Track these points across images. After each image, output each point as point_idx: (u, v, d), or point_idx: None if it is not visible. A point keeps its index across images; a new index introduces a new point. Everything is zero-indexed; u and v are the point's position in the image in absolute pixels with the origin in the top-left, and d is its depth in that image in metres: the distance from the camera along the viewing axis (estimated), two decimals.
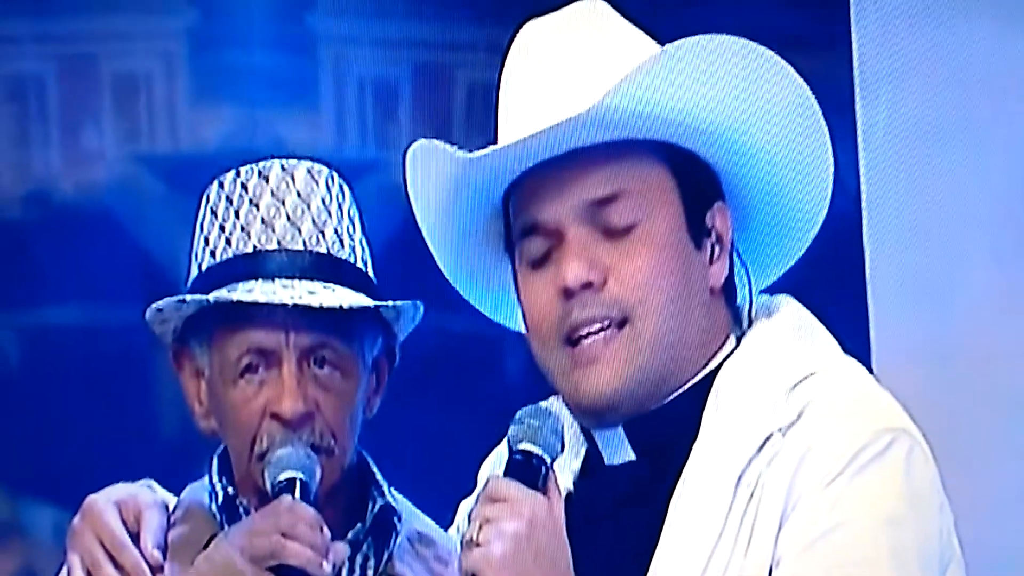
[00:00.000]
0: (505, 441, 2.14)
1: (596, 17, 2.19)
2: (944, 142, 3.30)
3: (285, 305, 2.35)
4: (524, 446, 2.10)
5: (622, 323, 2.13)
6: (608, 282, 2.12)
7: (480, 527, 2.05)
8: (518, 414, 2.13)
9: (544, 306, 2.15)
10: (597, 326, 2.13)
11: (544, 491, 2.09)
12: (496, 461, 2.34)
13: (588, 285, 2.12)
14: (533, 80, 2.17)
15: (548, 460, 2.11)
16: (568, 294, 2.13)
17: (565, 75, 2.14)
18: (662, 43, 2.16)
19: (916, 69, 3.29)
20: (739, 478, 2.08)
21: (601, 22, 2.19)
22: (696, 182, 2.18)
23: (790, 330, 2.18)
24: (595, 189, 2.13)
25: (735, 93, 2.13)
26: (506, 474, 2.11)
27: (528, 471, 2.10)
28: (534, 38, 2.19)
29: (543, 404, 2.18)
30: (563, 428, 2.13)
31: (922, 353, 3.20)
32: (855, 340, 2.25)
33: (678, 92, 2.11)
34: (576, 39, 2.16)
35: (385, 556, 2.43)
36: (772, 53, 2.15)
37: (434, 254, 2.32)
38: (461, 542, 2.08)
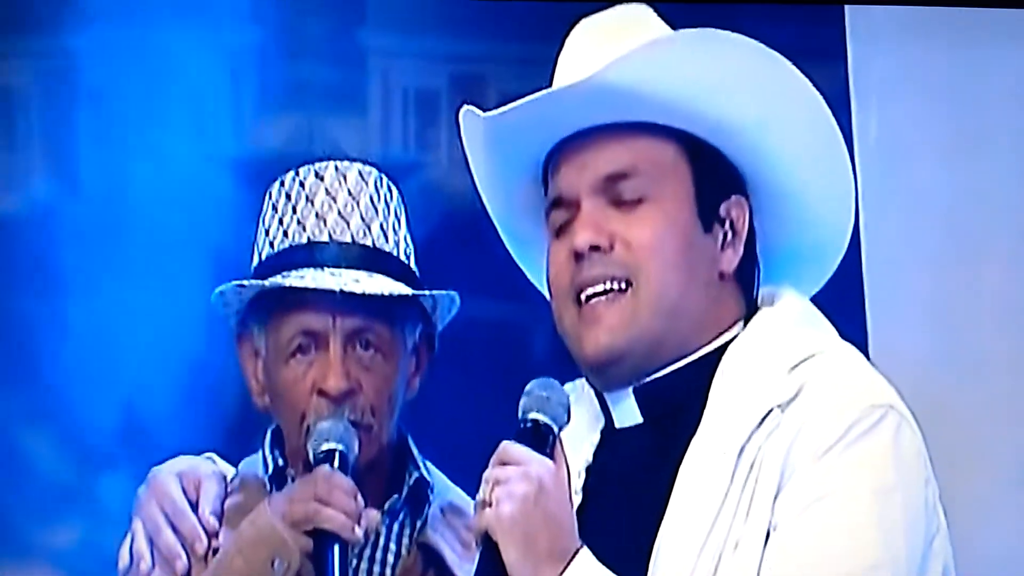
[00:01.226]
0: (520, 408, 2.17)
1: (639, 15, 2.23)
2: (933, 149, 3.32)
3: (333, 291, 2.41)
4: (533, 415, 2.14)
5: (626, 286, 2.16)
6: (615, 246, 2.16)
7: (491, 488, 2.09)
8: (528, 386, 2.16)
9: (560, 269, 2.19)
10: (602, 286, 2.16)
11: (551, 457, 2.12)
12: None
13: (596, 248, 2.16)
14: (570, 65, 2.22)
15: (555, 429, 2.14)
16: (578, 256, 2.16)
17: (595, 60, 2.18)
18: None
19: (907, 80, 3.31)
20: (741, 450, 2.11)
21: (642, 20, 2.23)
22: (713, 172, 2.20)
23: (793, 316, 2.21)
24: (610, 165, 2.17)
25: (747, 89, 2.16)
26: (517, 440, 2.14)
27: (537, 438, 2.13)
28: (579, 34, 2.24)
29: (551, 379, 2.20)
30: (569, 401, 2.16)
31: (917, 348, 3.23)
32: (852, 336, 2.26)
33: (681, 74, 2.14)
34: (613, 34, 2.21)
35: (419, 525, 2.47)
36: (788, 62, 2.17)
37: (494, 221, 2.35)
38: (475, 504, 2.11)
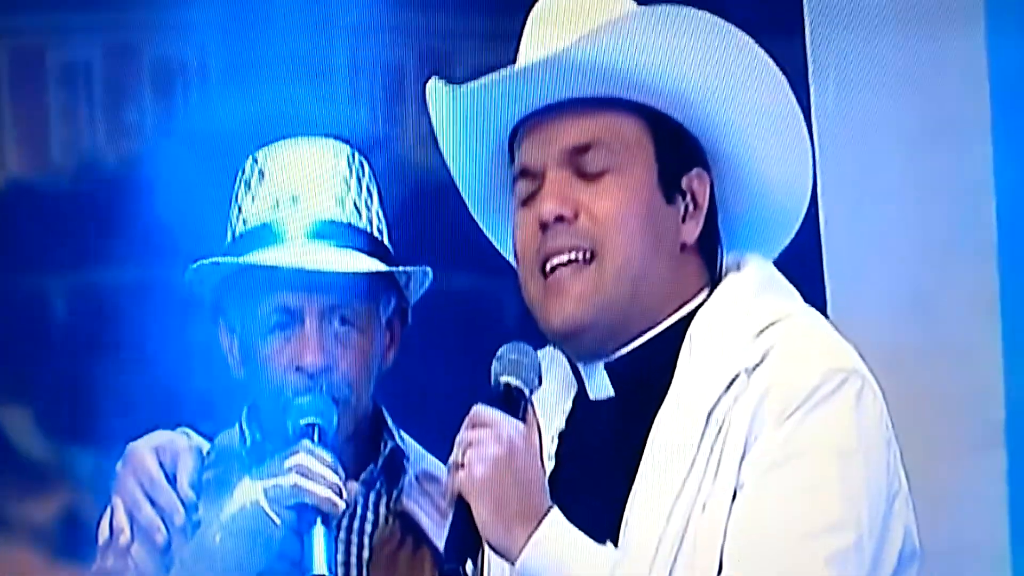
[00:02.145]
0: (492, 371, 2.19)
1: None
2: (887, 120, 3.35)
3: (307, 268, 2.43)
4: (505, 379, 2.16)
5: (591, 257, 2.18)
6: (580, 216, 2.18)
7: (463, 451, 2.11)
8: (500, 351, 2.19)
9: (526, 239, 2.21)
10: (566, 257, 2.18)
11: (523, 420, 2.14)
12: None
13: (561, 219, 2.18)
14: (534, 40, 2.24)
15: (527, 392, 2.16)
16: (544, 226, 2.19)
17: (560, 36, 2.20)
18: None
19: (864, 55, 3.33)
20: (709, 414, 2.14)
21: None
22: (674, 145, 2.22)
23: (758, 282, 2.24)
24: (574, 137, 2.19)
25: (707, 63, 2.19)
26: (489, 404, 2.16)
27: (508, 401, 2.15)
28: (542, 9, 2.26)
29: (523, 343, 2.22)
30: (540, 364, 2.19)
31: (874, 309, 3.26)
32: (812, 294, 2.30)
33: (644, 50, 2.17)
34: (577, 10, 2.23)
35: (395, 493, 2.50)
36: (748, 37, 2.20)
37: (462, 192, 2.37)
38: (448, 466, 2.14)
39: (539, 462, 2.14)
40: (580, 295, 2.18)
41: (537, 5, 2.27)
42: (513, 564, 2.12)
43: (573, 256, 2.18)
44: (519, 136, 2.25)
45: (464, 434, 2.14)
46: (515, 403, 2.16)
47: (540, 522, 2.10)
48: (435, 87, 2.27)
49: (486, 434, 2.12)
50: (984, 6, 3.29)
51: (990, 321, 3.31)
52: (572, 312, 2.18)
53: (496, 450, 2.10)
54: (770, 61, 2.21)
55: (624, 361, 2.22)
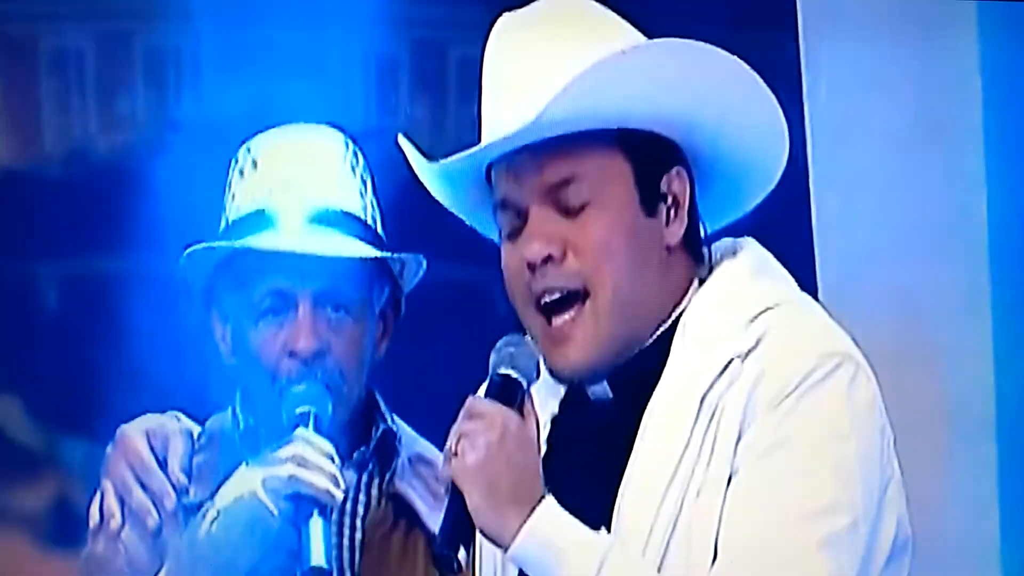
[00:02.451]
0: (490, 363, 2.19)
1: (570, 8, 2.24)
2: (880, 120, 3.36)
3: (301, 254, 2.42)
4: (503, 370, 2.16)
5: (584, 296, 2.19)
6: (567, 255, 2.19)
7: (458, 440, 2.12)
8: (498, 343, 2.19)
9: (515, 276, 2.22)
10: (559, 295, 2.19)
11: (519, 410, 2.15)
12: None
13: (549, 258, 2.19)
14: (504, 74, 2.23)
15: (524, 383, 2.17)
16: (531, 267, 2.19)
17: (531, 70, 2.20)
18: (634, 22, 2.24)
19: (855, 56, 3.34)
20: (702, 399, 2.14)
21: (575, 13, 2.24)
22: (650, 156, 2.23)
23: (750, 268, 2.24)
24: (550, 175, 2.19)
25: (676, 85, 2.18)
26: (486, 395, 2.17)
27: (506, 392, 2.15)
28: (510, 28, 2.24)
29: (521, 335, 2.23)
30: (538, 356, 2.19)
31: (865, 306, 3.27)
32: (802, 278, 2.30)
33: (616, 95, 2.16)
34: (547, 30, 2.22)
35: (388, 476, 2.50)
36: (703, 44, 2.20)
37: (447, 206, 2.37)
38: (443, 455, 2.14)
39: (534, 451, 2.14)
40: (582, 343, 2.19)
41: (497, 31, 2.25)
42: (506, 551, 2.12)
43: (566, 295, 2.19)
44: (496, 171, 2.25)
45: (459, 425, 2.14)
46: (512, 394, 2.16)
47: (533, 509, 2.10)
48: (409, 152, 2.28)
49: (480, 423, 2.13)
50: (976, 9, 3.30)
51: (981, 317, 3.32)
52: (577, 360, 2.20)
53: (489, 438, 2.11)
54: (736, 61, 2.22)
55: (623, 369, 2.22)
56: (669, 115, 2.20)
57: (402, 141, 2.28)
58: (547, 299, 2.19)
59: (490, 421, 2.12)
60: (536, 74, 2.19)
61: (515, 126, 2.16)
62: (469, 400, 2.16)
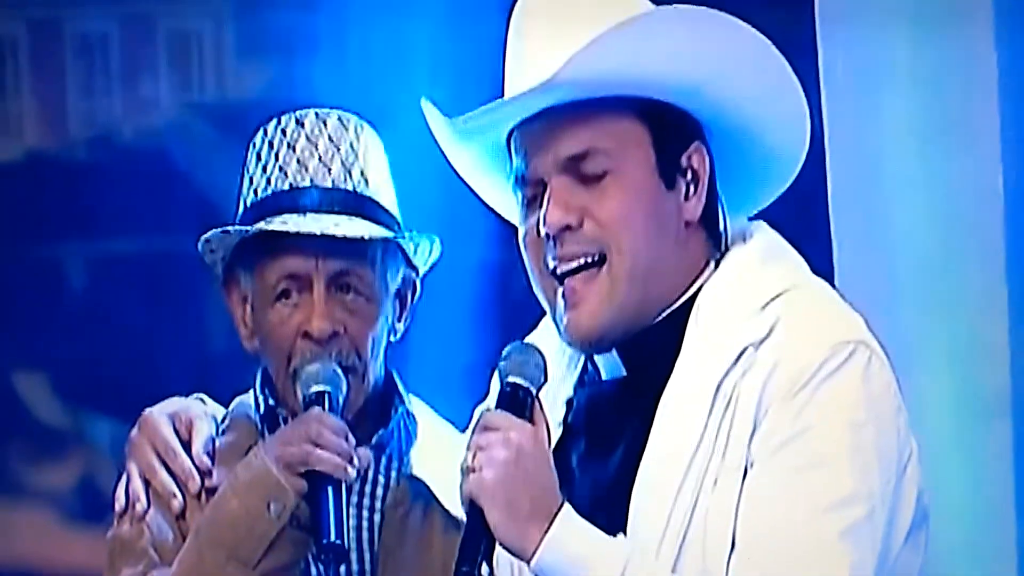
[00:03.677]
0: (497, 372, 2.19)
1: None
2: (896, 79, 3.32)
3: (315, 235, 2.39)
4: (511, 379, 2.15)
5: (601, 261, 2.17)
6: (585, 223, 2.16)
7: (474, 455, 2.11)
8: (505, 350, 2.18)
9: (533, 245, 2.20)
10: (576, 263, 2.17)
11: (530, 419, 2.13)
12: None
13: (567, 227, 2.16)
14: (525, 45, 2.21)
15: (533, 391, 2.15)
16: (549, 235, 2.17)
17: (551, 39, 2.17)
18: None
19: (870, 15, 3.31)
20: (717, 388, 2.11)
21: None
22: (670, 128, 2.20)
23: (762, 253, 2.20)
24: (570, 147, 2.17)
25: (696, 51, 2.15)
26: (496, 405, 2.15)
27: (515, 402, 2.14)
28: (531, 2, 2.22)
29: (528, 340, 2.22)
30: (545, 362, 2.17)
31: (880, 276, 3.24)
32: (819, 262, 2.28)
33: (637, 57, 2.13)
34: (568, 3, 2.19)
35: (406, 457, 2.47)
36: (722, 13, 2.17)
37: (467, 182, 2.36)
38: (460, 469, 2.13)
39: (549, 461, 2.12)
40: (595, 306, 2.17)
41: (519, 6, 2.23)
42: (528, 563, 2.10)
43: (583, 262, 2.17)
44: (515, 140, 2.22)
45: (474, 439, 2.13)
46: (521, 403, 2.14)
47: (552, 520, 2.09)
48: (431, 115, 2.26)
49: (495, 438, 2.11)
50: (992, 5, 3.26)
51: (997, 303, 3.28)
52: (589, 324, 2.17)
53: (504, 453, 2.09)
54: (755, 32, 2.18)
55: (636, 341, 2.19)
56: (687, 83, 2.16)
57: (424, 104, 2.25)
58: (563, 268, 2.17)
59: (504, 435, 2.10)
60: (556, 44, 2.15)
61: (533, 85, 2.13)
62: (483, 413, 2.15)
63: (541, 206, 2.18)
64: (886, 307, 3.16)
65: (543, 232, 2.17)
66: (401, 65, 3.25)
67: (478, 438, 2.11)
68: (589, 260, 2.17)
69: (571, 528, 2.08)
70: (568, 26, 2.17)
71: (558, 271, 2.18)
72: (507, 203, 2.30)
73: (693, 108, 2.19)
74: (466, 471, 2.10)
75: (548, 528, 2.08)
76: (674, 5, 2.18)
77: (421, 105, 2.27)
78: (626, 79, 2.14)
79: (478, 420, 2.14)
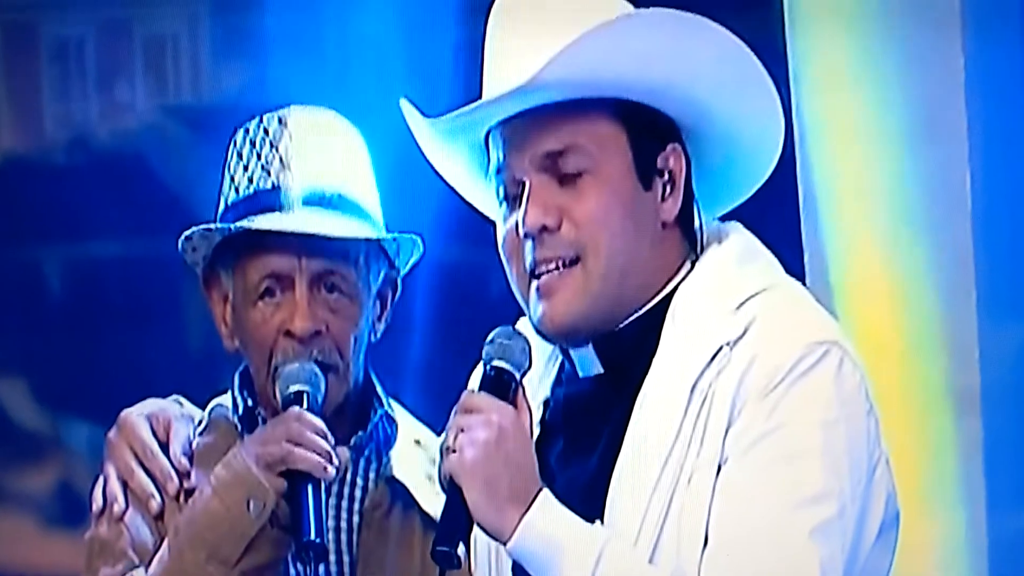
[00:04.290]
0: (483, 355, 2.18)
1: None
2: (864, 81, 3.33)
3: (298, 234, 2.38)
4: (496, 363, 2.14)
5: (575, 261, 2.17)
6: (563, 224, 2.16)
7: (455, 435, 2.09)
8: (491, 335, 2.17)
9: (511, 242, 2.20)
10: (553, 264, 2.17)
11: (513, 403, 2.12)
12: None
13: (545, 228, 2.16)
14: (503, 46, 2.21)
15: (517, 375, 2.14)
16: (528, 236, 2.17)
17: (529, 41, 2.17)
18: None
19: (838, 17, 3.32)
20: (692, 387, 2.12)
21: None
22: (647, 129, 2.20)
23: (738, 254, 2.21)
24: (548, 143, 2.17)
25: (674, 55, 2.16)
26: (480, 388, 2.14)
27: (499, 385, 2.13)
28: (509, 4, 2.22)
29: (514, 326, 2.21)
30: (530, 348, 2.17)
31: (850, 275, 3.25)
32: (790, 262, 2.28)
33: (613, 60, 2.14)
34: (545, 5, 2.19)
35: (385, 460, 2.46)
36: (697, 16, 2.17)
37: (444, 178, 2.35)
38: (440, 450, 2.12)
39: (530, 445, 2.12)
40: (568, 299, 2.17)
41: (495, 9, 2.23)
42: (505, 545, 2.09)
43: (560, 263, 2.17)
44: (493, 138, 2.22)
45: (455, 419, 2.12)
46: (505, 387, 2.14)
47: (531, 503, 2.08)
48: (410, 115, 2.25)
49: (476, 419, 2.10)
50: (959, 7, 3.27)
51: (966, 302, 3.29)
52: (562, 316, 2.17)
53: (486, 434, 2.08)
54: (730, 35, 2.19)
55: (612, 339, 2.19)
56: (664, 84, 2.17)
57: (403, 103, 2.25)
58: (541, 269, 2.17)
59: (486, 417, 2.09)
60: (534, 44, 2.15)
61: (512, 87, 2.13)
62: (464, 395, 2.14)
63: (520, 205, 2.17)
64: (856, 306, 3.16)
65: (522, 232, 2.16)
66: (378, 65, 3.23)
67: (459, 419, 2.10)
68: (565, 261, 2.17)
69: (549, 512, 2.08)
70: (546, 28, 2.17)
71: (536, 271, 2.18)
72: (487, 199, 2.30)
73: (670, 109, 2.20)
74: (446, 451, 2.09)
75: (526, 511, 2.07)
76: (651, 9, 2.19)
77: (400, 105, 2.25)
78: (604, 80, 2.15)
79: (459, 401, 2.13)
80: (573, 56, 2.11)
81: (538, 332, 2.19)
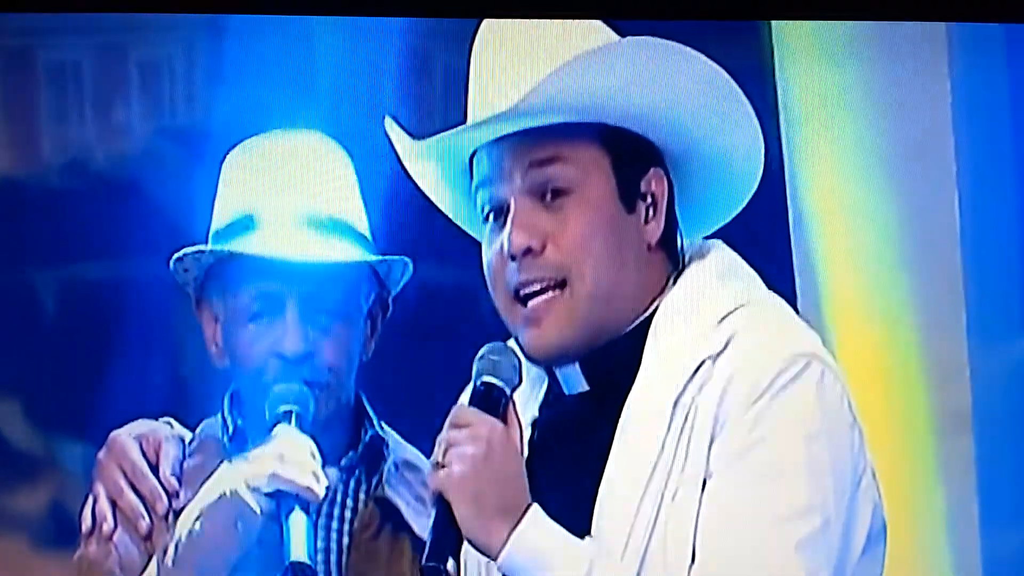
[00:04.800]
0: (474, 370, 2.17)
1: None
2: (852, 106, 3.33)
3: (288, 257, 2.37)
4: (486, 379, 2.13)
5: (562, 284, 2.16)
6: (547, 247, 2.16)
7: (444, 451, 2.08)
8: (482, 351, 2.17)
9: (495, 264, 2.20)
10: (538, 286, 2.17)
11: (503, 418, 2.11)
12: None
13: (529, 251, 2.16)
14: (486, 67, 2.22)
15: (507, 391, 2.13)
16: (512, 258, 2.17)
17: (511, 66, 2.18)
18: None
19: (826, 43, 3.33)
20: (676, 402, 2.11)
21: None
22: (629, 154, 2.21)
23: (718, 269, 2.21)
24: (536, 152, 2.17)
25: (654, 83, 2.17)
26: (470, 403, 2.13)
27: (489, 401, 2.12)
28: (494, 30, 2.23)
29: (504, 343, 2.21)
30: (520, 364, 2.17)
31: (840, 298, 3.25)
32: (780, 284, 2.28)
33: (598, 84, 2.15)
34: (528, 31, 2.21)
35: (375, 480, 2.45)
36: (679, 44, 2.18)
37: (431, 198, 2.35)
38: (431, 464, 2.11)
39: (519, 460, 2.12)
40: (556, 324, 2.17)
41: (480, 37, 2.24)
42: (494, 560, 2.08)
43: (544, 286, 2.17)
44: (477, 160, 2.22)
45: (445, 434, 2.11)
46: (495, 402, 2.13)
47: (520, 518, 2.08)
48: (395, 134, 2.26)
49: (465, 434, 2.09)
50: (946, 32, 3.28)
51: (955, 320, 3.28)
52: (549, 341, 2.17)
53: (474, 449, 2.08)
54: (712, 63, 2.20)
55: (597, 357, 2.19)
56: (645, 111, 2.18)
57: (388, 123, 2.27)
58: (526, 291, 2.17)
59: (475, 431, 2.09)
60: (519, 71, 2.17)
61: (499, 110, 2.14)
62: (454, 410, 2.13)
63: (502, 226, 2.17)
64: (846, 327, 3.15)
65: (506, 253, 2.16)
66: (374, 87, 3.23)
67: (448, 434, 2.10)
68: (550, 284, 2.17)
69: (538, 527, 2.07)
70: (530, 56, 2.18)
71: (520, 293, 2.17)
72: (470, 218, 2.30)
73: (652, 135, 2.20)
74: (435, 465, 2.09)
75: (516, 525, 2.06)
76: (636, 37, 2.19)
77: (384, 125, 2.25)
78: (589, 105, 2.16)
79: (449, 416, 2.12)
80: (558, 81, 2.12)
81: (527, 357, 2.19)
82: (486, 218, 2.21)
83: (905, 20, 3.19)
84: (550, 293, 2.16)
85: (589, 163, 2.17)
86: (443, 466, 2.07)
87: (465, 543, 2.09)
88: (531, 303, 2.16)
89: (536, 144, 2.16)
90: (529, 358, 2.19)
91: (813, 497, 2.06)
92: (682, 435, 2.09)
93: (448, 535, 2.07)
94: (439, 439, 2.10)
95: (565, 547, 2.07)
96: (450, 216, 2.34)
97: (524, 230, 2.15)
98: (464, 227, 2.33)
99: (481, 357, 2.15)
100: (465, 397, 2.22)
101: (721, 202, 2.27)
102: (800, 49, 3.30)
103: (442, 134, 2.19)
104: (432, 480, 2.08)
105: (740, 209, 2.28)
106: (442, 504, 2.07)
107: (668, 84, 2.17)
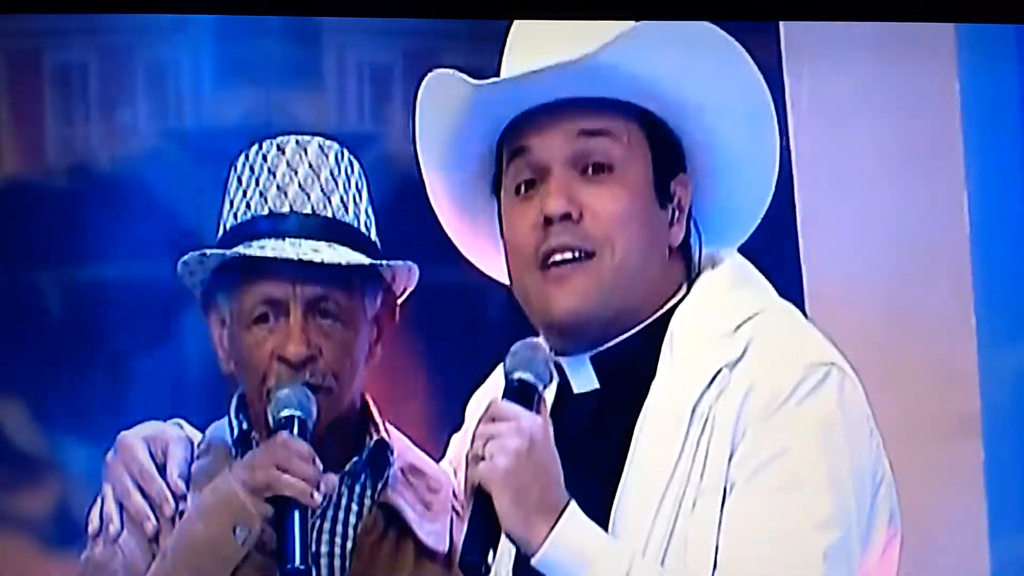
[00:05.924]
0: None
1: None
2: (862, 108, 3.32)
3: (293, 260, 2.36)
4: (519, 374, 2.10)
5: (590, 255, 2.15)
6: (584, 217, 2.15)
7: (484, 443, 2.04)
8: (513, 347, 2.13)
9: (526, 232, 2.17)
10: (569, 254, 2.15)
11: (537, 413, 2.09)
12: (481, 397, 2.34)
13: (567, 216, 2.14)
14: (531, 44, 2.20)
15: (540, 387, 2.11)
16: (548, 222, 2.14)
17: (549, 54, 2.16)
18: None
19: (835, 45, 3.31)
20: (693, 410, 2.09)
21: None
22: (666, 150, 2.20)
23: (732, 277, 2.20)
24: (588, 121, 2.16)
25: (706, 74, 2.16)
26: (504, 398, 2.10)
27: (524, 396, 2.09)
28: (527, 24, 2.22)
29: (534, 339, 2.18)
30: (550, 360, 2.13)
31: (850, 301, 3.23)
32: (789, 288, 2.28)
33: (655, 58, 2.14)
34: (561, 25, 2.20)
35: (380, 485, 2.42)
36: (743, 50, 2.18)
37: (432, 200, 2.33)
38: (467, 458, 2.07)
39: (556, 456, 2.08)
40: (582, 288, 2.14)
41: (512, 34, 2.23)
42: (533, 556, 2.05)
43: (574, 255, 2.15)
44: (520, 130, 2.19)
45: (484, 427, 2.07)
46: (529, 397, 2.10)
47: (560, 515, 2.05)
48: (451, 78, 2.21)
49: (507, 427, 2.06)
50: (955, 35, 3.26)
51: (965, 325, 3.27)
52: (574, 304, 2.15)
53: (517, 443, 2.04)
54: (756, 71, 2.20)
55: (609, 354, 2.17)
56: (691, 109, 2.17)
57: (444, 72, 2.20)
58: (556, 258, 2.15)
59: (517, 425, 2.06)
60: (555, 56, 2.14)
61: (558, 62, 2.12)
62: (492, 404, 2.09)
63: (538, 195, 2.16)
64: (856, 331, 3.14)
65: (542, 215, 2.14)
66: (380, 91, 3.22)
67: (487, 427, 2.06)
68: (580, 254, 2.15)
69: (578, 524, 2.04)
70: (566, 46, 2.16)
71: (548, 260, 2.15)
72: (471, 227, 2.28)
73: (687, 138, 2.20)
74: (475, 459, 2.04)
75: (556, 522, 2.03)
76: (690, 23, 2.19)
77: (430, 75, 2.21)
78: (634, 82, 2.14)
79: (486, 410, 2.09)
80: (625, 43, 2.11)
81: (543, 326, 2.16)
82: (517, 189, 2.18)
83: (914, 21, 3.18)
84: (578, 262, 2.14)
85: (635, 146, 2.17)
86: (483, 459, 2.03)
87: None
88: (557, 269, 2.14)
89: (588, 114, 2.15)
90: (548, 321, 2.15)
91: (836, 507, 2.04)
92: (700, 445, 2.07)
93: (489, 528, 2.03)
94: (477, 432, 2.06)
95: (604, 545, 2.04)
96: (442, 203, 2.30)
97: (564, 196, 2.14)
98: (464, 218, 2.30)
99: (514, 353, 2.12)
100: (475, 404, 2.21)
101: (739, 215, 2.26)
102: (809, 50, 3.29)
103: (502, 78, 2.16)
104: (471, 473, 2.05)
105: (755, 224, 2.27)
106: (482, 497, 2.04)
107: (718, 85, 2.16)
